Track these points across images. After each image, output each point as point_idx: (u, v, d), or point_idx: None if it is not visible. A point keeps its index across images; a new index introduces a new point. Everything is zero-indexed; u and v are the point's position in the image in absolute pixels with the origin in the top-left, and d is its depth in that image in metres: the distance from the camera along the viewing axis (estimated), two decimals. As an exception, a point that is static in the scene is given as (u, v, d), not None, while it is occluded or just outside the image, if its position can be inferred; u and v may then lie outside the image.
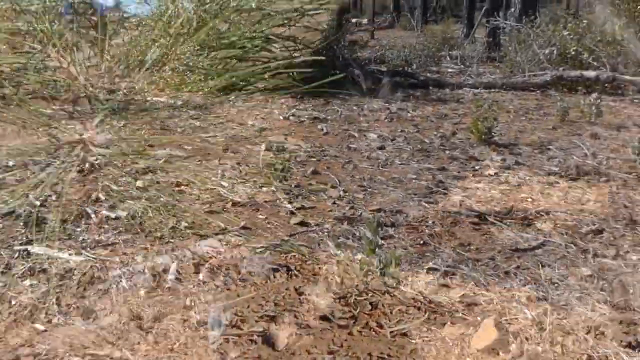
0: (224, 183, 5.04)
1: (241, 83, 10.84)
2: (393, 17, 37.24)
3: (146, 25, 12.24)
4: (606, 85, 10.18)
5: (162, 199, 4.59)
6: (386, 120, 8.19)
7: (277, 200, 4.57)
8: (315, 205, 4.48)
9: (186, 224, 4.03)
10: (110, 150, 6.44)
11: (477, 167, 5.51)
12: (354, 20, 29.28)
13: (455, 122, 7.85)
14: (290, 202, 4.49)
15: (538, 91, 10.56)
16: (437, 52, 16.30)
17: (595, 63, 10.54)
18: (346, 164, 5.76)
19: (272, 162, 4.88)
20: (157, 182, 5.08)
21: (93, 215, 4.14)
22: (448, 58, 14.83)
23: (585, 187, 4.88)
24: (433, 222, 4.00)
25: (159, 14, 11.66)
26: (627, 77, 9.95)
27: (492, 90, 10.85)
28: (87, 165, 5.49)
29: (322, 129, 7.50)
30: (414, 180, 5.11)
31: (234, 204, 4.49)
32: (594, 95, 7.80)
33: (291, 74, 11.27)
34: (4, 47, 9.36)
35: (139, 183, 4.93)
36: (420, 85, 11.59)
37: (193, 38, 10.88)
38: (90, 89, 12.33)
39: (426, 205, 4.38)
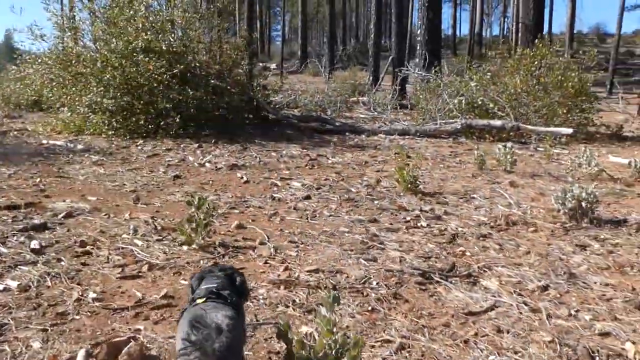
0: (137, 241, 4.43)
1: (150, 127, 10.18)
2: (301, 62, 37.95)
3: (42, 63, 11.29)
4: (511, 133, 10.65)
5: (63, 263, 3.92)
6: (307, 167, 7.92)
7: (201, 261, 4.05)
8: (244, 265, 4.01)
9: (95, 295, 3.40)
10: (-3, 203, 5.59)
11: (408, 218, 5.32)
12: (261, 64, 29.41)
13: (377, 170, 7.74)
14: (215, 264, 3.99)
15: (450, 138, 10.86)
16: (349, 97, 16.56)
17: (500, 112, 11.05)
18: (273, 216, 5.36)
19: (191, 215, 4.37)
20: (57, 242, 4.37)
21: (-26, 289, 3.39)
22: (361, 104, 15.02)
23: (517, 238, 4.83)
24: (377, 284, 3.68)
25: (58, 52, 10.76)
26: (530, 127, 10.49)
27: (407, 137, 11.00)
28: (-32, 222, 4.66)
29: (242, 177, 7.05)
30: (347, 234, 4.80)
31: (151, 266, 3.91)
32: (509, 144, 8.04)
33: (204, 117, 10.85)
34: None
35: (33, 243, 4.21)
36: (337, 131, 11.54)
37: (97, 78, 10.12)
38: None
39: (366, 263, 4.06)
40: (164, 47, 10.31)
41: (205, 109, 10.82)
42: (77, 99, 10.52)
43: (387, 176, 7.27)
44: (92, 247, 4.28)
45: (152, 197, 6.02)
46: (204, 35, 12.02)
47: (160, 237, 4.57)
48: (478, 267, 4.03)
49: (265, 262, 4.07)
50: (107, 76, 10.04)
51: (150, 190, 6.34)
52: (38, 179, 6.66)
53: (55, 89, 11.17)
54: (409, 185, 6.28)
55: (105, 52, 10.22)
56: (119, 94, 10.13)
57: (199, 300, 2.24)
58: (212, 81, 11.12)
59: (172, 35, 10.83)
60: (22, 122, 12.90)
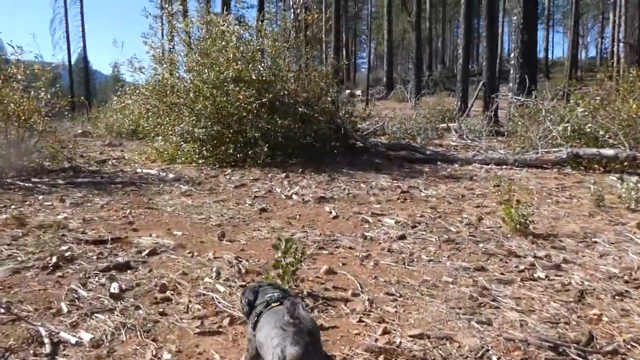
0: (220, 287, 4.00)
1: (238, 155, 9.99)
2: (387, 89, 37.48)
3: (140, 94, 11.52)
4: (625, 163, 9.40)
5: (141, 312, 3.54)
6: (399, 200, 7.27)
7: (287, 315, 3.52)
8: (336, 323, 3.44)
9: (169, 355, 2.96)
10: (88, 235, 5.43)
11: (521, 267, 4.53)
12: (347, 91, 29.23)
13: (477, 205, 6.95)
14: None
15: (553, 169, 9.78)
16: (438, 124, 15.75)
17: (611, 140, 9.83)
18: (365, 259, 4.77)
19: (278, 260, 3.88)
20: (138, 284, 4.03)
21: (47, 341, 3.06)
22: (453, 132, 14.15)
23: (662, 298, 3.91)
24: (498, 359, 2.97)
25: (154, 83, 10.91)
26: (649, 156, 9.19)
27: (504, 166, 10.06)
28: (54, 259, 4.46)
29: (331, 212, 6.53)
30: (451, 286, 4.10)
31: (233, 320, 3.44)
32: (624, 176, 6.96)
33: (291, 146, 10.54)
34: None
35: (113, 287, 3.88)
36: (427, 160, 10.82)
37: (189, 108, 10.12)
38: (80, 158, 11.43)
39: (479, 327, 3.36)
40: (253, 77, 10.15)
41: (292, 137, 10.52)
42: (170, 128, 10.59)
43: (489, 213, 6.47)
44: (172, 292, 3.90)
45: (238, 232, 5.64)
46: (292, 64, 11.82)
47: (244, 283, 4.11)
48: (624, 340, 3.19)
49: (360, 320, 3.47)
50: (199, 106, 10.02)
51: (236, 224, 5.97)
52: (128, 210, 6.52)
53: (150, 118, 11.34)
54: (517, 225, 5.46)
55: (198, 83, 10.22)
56: (209, 123, 10.06)
57: (274, 304, 2.55)
58: (300, 109, 10.83)
59: (262, 64, 10.67)
60: (121, 151, 13.29)
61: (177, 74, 11.00)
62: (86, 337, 3.13)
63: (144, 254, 4.78)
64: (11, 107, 8.97)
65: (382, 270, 4.50)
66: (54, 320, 3.38)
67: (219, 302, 3.72)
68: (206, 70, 10.19)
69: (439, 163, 10.59)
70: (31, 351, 2.99)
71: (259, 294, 2.72)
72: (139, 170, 9.74)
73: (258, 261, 4.67)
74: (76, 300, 3.68)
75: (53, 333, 3.16)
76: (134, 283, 4.04)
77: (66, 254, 4.62)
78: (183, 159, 10.43)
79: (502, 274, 4.40)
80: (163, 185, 8.24)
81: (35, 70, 9.45)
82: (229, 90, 9.88)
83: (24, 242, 5.04)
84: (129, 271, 4.32)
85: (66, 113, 11.20)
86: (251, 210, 6.67)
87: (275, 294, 2.66)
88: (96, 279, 4.11)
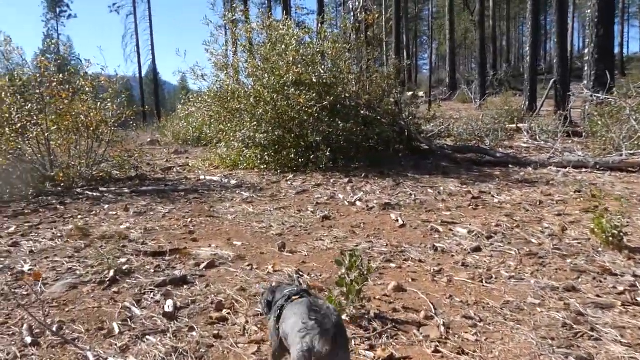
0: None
1: (300, 160, 9.69)
2: (449, 90, 36.32)
3: (202, 101, 11.48)
4: None
5: (194, 334, 3.23)
6: (470, 207, 6.69)
7: (352, 341, 3.11)
8: (408, 352, 2.99)
9: (222, 388, 2.63)
10: (148, 246, 5.25)
11: (620, 288, 3.89)
12: (410, 93, 28.43)
13: (558, 213, 6.25)
14: (371, 347, 3.03)
15: (640, 172, 8.82)
16: (507, 125, 14.84)
17: None
18: (437, 275, 4.28)
19: (342, 277, 3.47)
20: (194, 302, 3.75)
21: (93, 368, 2.80)
22: (524, 133, 13.24)
23: None
24: (610, 408, 2.43)
25: (216, 89, 10.81)
26: None
27: (583, 170, 9.17)
28: (111, 273, 4.26)
29: (397, 219, 6.06)
30: (539, 309, 3.55)
31: (293, 346, 3.06)
32: None
33: (354, 149, 10.13)
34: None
35: (168, 304, 3.61)
36: (498, 162, 10.09)
37: (250, 114, 9.94)
38: (147, 166, 11.53)
39: (580, 363, 2.82)
40: (314, 79, 9.84)
41: (354, 140, 10.11)
42: (232, 134, 10.45)
43: (572, 222, 5.78)
44: (229, 310, 3.58)
45: (299, 242, 5.28)
46: (353, 66, 11.40)
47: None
48: None
49: (436, 350, 3.00)
50: (260, 111, 9.81)
51: (298, 234, 5.62)
52: (189, 219, 6.33)
53: (212, 125, 11.27)
54: (610, 238, 4.78)
55: (258, 87, 10.02)
56: (270, 128, 9.83)
57: (294, 297, 2.52)
58: (362, 112, 10.41)
59: (322, 67, 10.33)
60: (186, 158, 13.35)
61: (238, 80, 10.85)
62: (134, 364, 2.85)
63: (202, 266, 4.51)
64: (80, 118, 9.09)
65: (457, 288, 3.99)
66: (104, 343, 3.13)
67: (277, 324, 3.36)
68: (266, 75, 9.97)
69: (510, 166, 9.83)
70: (77, 379, 2.73)
71: (276, 292, 2.71)
72: (202, 177, 9.64)
73: (320, 275, 4.29)
74: (129, 320, 3.42)
75: (101, 358, 2.90)
76: (190, 300, 3.75)
77: (124, 267, 4.43)
78: (245, 164, 10.26)
79: (597, 295, 3.79)
80: (225, 192, 8.05)
81: (102, 82, 9.54)
82: (290, 94, 9.61)
83: (85, 254, 4.90)
84: (185, 286, 4.05)
85: (131, 123, 11.20)
86: (313, 218, 6.31)
87: (295, 289, 2.67)
88: (151, 295, 3.86)
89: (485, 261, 4.60)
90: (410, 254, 4.84)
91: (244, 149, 10.37)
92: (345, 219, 6.28)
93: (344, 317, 3.39)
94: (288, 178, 9.03)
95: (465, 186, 8.08)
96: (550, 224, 5.73)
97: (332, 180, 8.68)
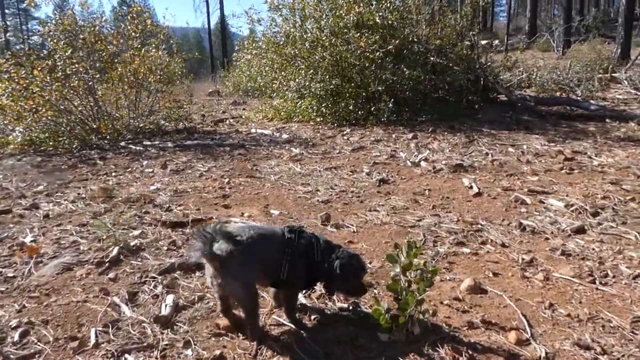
0: (307, 304, 2.64)
1: (360, 113, 8.51)
2: (529, 37, 33.10)
3: (257, 47, 10.42)
4: None
5: (189, 353, 2.30)
6: (564, 171, 5.33)
7: (409, 380, 2.07)
8: (493, 409, 1.91)
9: None
10: (172, 214, 4.39)
11: None
12: (484, 41, 25.89)
13: (683, 180, 4.80)
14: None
15: None
16: (601, 74, 12.77)
17: None
18: (528, 268, 3.11)
19: (395, 279, 2.39)
20: (201, 298, 2.82)
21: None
22: (625, 82, 11.23)
23: None
24: None
25: (271, 34, 9.68)
26: None
27: (702, 124, 7.41)
28: (114, 251, 3.42)
29: (471, 186, 4.85)
30: (689, 333, 2.35)
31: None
32: None
33: (420, 101, 8.81)
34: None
35: (166, 304, 2.70)
36: (592, 116, 8.43)
37: (306, 60, 8.78)
38: (201, 117, 10.74)
39: None
40: (377, 20, 8.48)
41: (422, 90, 8.78)
42: (285, 83, 9.37)
43: None
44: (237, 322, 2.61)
45: (348, 213, 4.23)
46: (423, 6, 9.85)
47: (346, 304, 2.70)
48: None
49: (538, 408, 1.90)
50: (317, 57, 8.63)
51: (347, 202, 4.56)
52: (227, 179, 5.43)
53: (267, 74, 10.23)
54: None
55: (315, 30, 8.79)
56: (327, 76, 8.66)
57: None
58: (432, 58, 8.98)
59: (388, 6, 8.88)
60: (242, 109, 12.45)
61: (294, 23, 9.61)
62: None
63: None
64: (129, 67, 8.32)
65: (559, 291, 2.82)
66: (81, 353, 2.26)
67: (304, 341, 2.36)
68: (324, 15, 8.70)
69: (608, 121, 8.17)
70: None
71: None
72: (253, 130, 8.71)
73: (370, 263, 3.22)
74: (112, 326, 2.54)
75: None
76: (197, 296, 2.82)
77: (133, 243, 3.57)
78: (300, 117, 9.20)
79: None
80: (273, 147, 7.07)
81: (148, 27, 8.66)
82: (350, 37, 8.34)
83: (98, 222, 4.09)
84: (197, 273, 3.13)
85: (183, 72, 10.32)
86: (368, 181, 5.21)
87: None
88: (152, 285, 2.97)
89: (593, 249, 3.36)
90: (489, 235, 3.67)
91: (298, 99, 9.28)
92: (407, 183, 5.14)
93: (393, 337, 2.35)
94: (345, 132, 7.90)
95: (554, 144, 6.64)
96: (676, 197, 4.32)
97: (394, 136, 7.47)
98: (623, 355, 2.22)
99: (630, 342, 2.31)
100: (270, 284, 2.50)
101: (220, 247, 2.25)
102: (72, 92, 7.97)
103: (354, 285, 2.46)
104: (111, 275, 3.12)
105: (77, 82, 7.82)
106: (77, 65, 7.82)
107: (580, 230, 3.67)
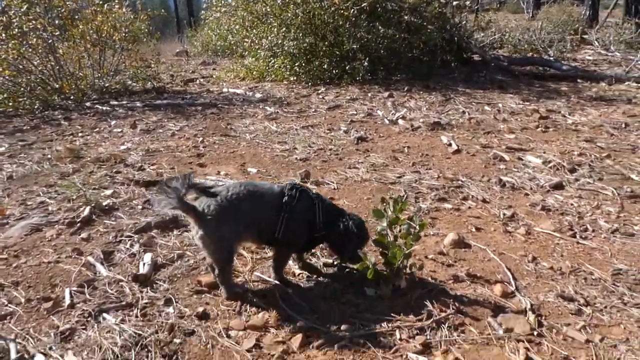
0: (293, 265, 2.58)
1: (334, 72, 8.35)
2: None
3: (227, 4, 10.03)
4: None
5: (170, 311, 2.22)
6: (539, 129, 5.35)
7: (398, 333, 2.04)
8: (482, 356, 1.90)
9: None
10: (144, 173, 4.23)
11: None
12: (455, 2, 25.59)
13: (654, 138, 4.88)
14: (425, 348, 1.96)
15: None
16: (570, 35, 12.84)
17: None
18: (510, 223, 3.11)
19: (382, 234, 2.35)
20: (181, 256, 2.72)
21: None
22: (595, 43, 11.30)
23: None
24: None
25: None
26: None
27: (670, 84, 7.54)
28: (86, 211, 3.27)
29: (450, 143, 4.82)
30: (670, 283, 2.39)
31: (307, 336, 2.02)
32: None
33: (395, 60, 8.69)
34: None
35: (144, 262, 2.60)
36: (563, 76, 8.48)
37: (278, 18, 8.50)
38: (170, 77, 10.38)
39: None
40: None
41: (396, 49, 8.62)
42: (257, 41, 9.08)
43: (678, 150, 4.42)
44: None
45: (327, 170, 4.16)
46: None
47: (331, 259, 2.65)
48: None
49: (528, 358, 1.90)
50: (289, 14, 8.36)
51: (326, 159, 4.48)
52: (200, 139, 5.26)
53: (238, 32, 9.89)
54: None
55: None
56: (301, 34, 8.41)
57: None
58: (406, 16, 8.79)
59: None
60: (212, 69, 12.07)
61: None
62: (71, 365, 1.86)
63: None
64: (91, 25, 7.89)
65: (541, 245, 2.83)
66: (43, 324, 2.16)
67: (289, 297, 2.31)
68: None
69: (579, 81, 8.23)
70: (-20, 391, 1.78)
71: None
72: (225, 90, 8.45)
73: (352, 220, 3.16)
74: (87, 286, 2.43)
75: (26, 356, 1.93)
76: (176, 254, 2.73)
77: (105, 203, 3.42)
78: (273, 76, 8.97)
79: None
80: (247, 107, 6.88)
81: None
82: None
83: (67, 182, 3.91)
84: (175, 231, 3.03)
85: (149, 30, 9.84)
86: (346, 139, 5.13)
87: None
88: (128, 244, 2.85)
89: (572, 204, 3.38)
90: (469, 191, 3.66)
91: (271, 58, 9.03)
92: (385, 141, 5.08)
93: (380, 292, 2.32)
94: (320, 91, 7.75)
95: (528, 103, 6.65)
96: (649, 154, 4.39)
97: (369, 95, 7.37)
98: (605, 307, 2.24)
99: (612, 294, 2.34)
100: (265, 242, 2.42)
101: (201, 201, 2.16)
102: (30, 50, 7.53)
103: (361, 247, 2.43)
104: (84, 235, 2.99)
105: (35, 40, 7.38)
106: (34, 22, 7.36)
107: (559, 186, 3.69)
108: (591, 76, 8.29)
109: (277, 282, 2.42)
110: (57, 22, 7.90)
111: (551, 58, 9.64)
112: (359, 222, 2.40)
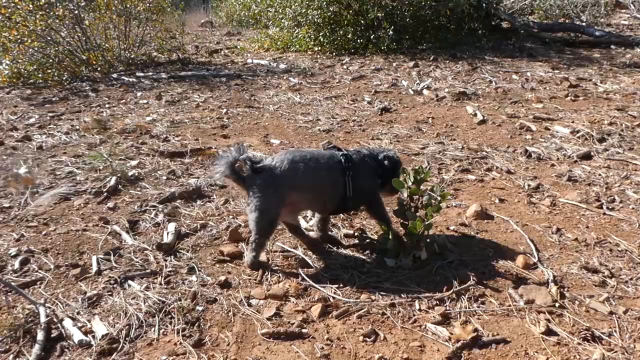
0: (313, 235, 2.59)
1: (359, 41, 8.20)
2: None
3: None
4: None
5: (193, 279, 2.26)
6: (568, 98, 5.18)
7: (417, 303, 2.04)
8: (504, 331, 1.89)
9: None
10: (169, 144, 4.27)
11: None
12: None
13: (690, 106, 4.68)
14: (445, 318, 1.95)
15: None
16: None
17: None
18: (534, 194, 3.05)
19: (403, 205, 2.33)
20: (204, 226, 2.75)
21: (40, 337, 1.90)
22: (632, 7, 10.80)
23: None
24: None
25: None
26: None
27: None
28: (112, 181, 3.32)
29: (475, 113, 4.72)
30: (700, 256, 2.32)
31: (326, 307, 2.04)
32: None
33: (421, 28, 8.48)
34: None
35: (168, 231, 2.64)
36: (596, 43, 8.16)
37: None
38: (195, 49, 10.37)
39: None
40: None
41: (423, 17, 8.40)
42: (281, 11, 8.96)
43: None
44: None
45: (350, 142, 4.13)
46: None
47: (352, 230, 2.65)
48: None
49: (548, 331, 1.87)
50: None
51: (349, 130, 4.44)
52: (224, 110, 5.26)
53: (261, 2, 9.76)
54: None
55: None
56: (325, 3, 8.24)
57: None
58: (433, -18, 8.52)
59: None
60: (238, 39, 12.00)
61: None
62: (100, 331, 1.92)
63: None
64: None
65: (566, 217, 2.77)
66: (72, 289, 2.23)
67: (309, 268, 2.32)
68: None
69: (613, 47, 7.91)
70: (13, 351, 1.85)
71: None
72: (249, 61, 8.40)
73: (374, 191, 3.14)
74: (113, 254, 2.49)
75: (55, 320, 1.99)
76: (199, 224, 2.76)
77: (131, 173, 3.47)
78: (297, 46, 8.87)
79: None
80: (271, 78, 6.83)
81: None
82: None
83: (94, 153, 3.97)
84: (198, 201, 3.06)
85: (170, 1, 9.79)
86: (370, 110, 5.07)
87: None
88: (152, 214, 2.90)
89: (600, 175, 3.29)
90: (494, 162, 3.59)
91: (295, 28, 8.91)
92: (409, 111, 5.00)
93: (400, 263, 2.31)
94: (344, 61, 7.63)
95: (558, 71, 6.43)
96: (684, 122, 4.22)
97: (394, 64, 7.23)
98: (631, 278, 2.19)
99: (639, 266, 2.28)
100: (331, 209, 2.42)
101: (248, 172, 2.25)
102: (57, 21, 7.59)
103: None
104: (110, 204, 3.05)
105: (61, 10, 7.43)
106: (62, -9, 7.41)
107: (587, 157, 3.59)
108: (625, 42, 7.95)
109: (297, 253, 2.43)
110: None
111: (584, 23, 9.26)
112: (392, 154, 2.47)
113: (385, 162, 2.40)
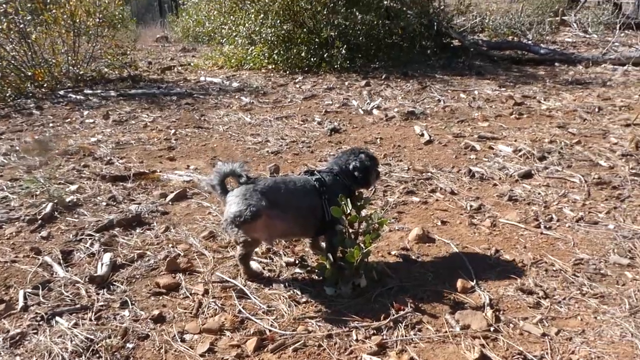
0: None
1: (312, 59, 8.24)
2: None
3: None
4: None
5: (125, 314, 2.17)
6: (513, 116, 5.34)
7: (355, 333, 2.02)
8: (438, 358, 1.88)
9: None
10: (112, 167, 4.14)
11: None
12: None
13: (625, 123, 4.88)
14: (380, 348, 1.94)
15: None
16: (551, 17, 12.80)
17: None
18: (476, 215, 3.10)
19: (340, 232, 2.32)
20: (141, 256, 2.67)
21: None
22: (574, 25, 11.28)
23: None
24: None
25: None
26: None
27: (646, 68, 7.56)
28: (48, 208, 3.19)
29: (422, 133, 4.79)
30: (629, 275, 2.38)
31: (261, 340, 2.00)
32: None
33: (374, 47, 8.61)
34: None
35: (103, 262, 2.54)
36: (541, 60, 8.47)
37: (255, 3, 8.35)
38: (148, 65, 10.18)
39: None
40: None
41: (375, 36, 8.54)
42: (235, 28, 8.93)
43: (647, 136, 4.43)
44: (185, 272, 2.50)
45: (298, 164, 4.11)
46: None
47: (293, 258, 2.62)
48: None
49: (481, 357, 1.89)
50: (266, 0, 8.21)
51: (298, 152, 4.43)
52: (173, 131, 5.17)
53: (215, 18, 9.70)
54: None
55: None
56: (278, 21, 8.27)
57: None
58: (385, 2, 8.67)
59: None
60: (192, 56, 11.88)
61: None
62: None
63: (168, 198, 3.41)
64: (65, 9, 7.68)
65: (505, 237, 2.82)
66: (-7, 328, 2.10)
67: (247, 299, 2.27)
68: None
69: (557, 64, 8.23)
70: None
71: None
72: (202, 78, 8.31)
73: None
74: (42, 288, 2.37)
75: (-30, 363, 1.88)
76: (136, 253, 2.68)
77: (68, 199, 3.35)
78: (251, 64, 8.84)
79: None
80: (222, 97, 6.77)
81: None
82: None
83: (31, 177, 3.81)
84: (137, 230, 2.97)
85: (124, 16, 9.66)
86: (319, 130, 5.08)
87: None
88: (88, 243, 2.79)
89: (539, 193, 3.38)
90: (438, 182, 3.64)
91: (249, 46, 8.89)
92: (359, 132, 5.03)
93: (339, 291, 2.29)
94: (297, 80, 7.66)
95: (504, 89, 6.63)
96: (618, 138, 4.40)
97: (347, 83, 7.29)
98: (564, 298, 2.24)
99: (572, 285, 2.34)
100: (311, 233, 2.49)
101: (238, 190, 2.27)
102: (2, 35, 7.33)
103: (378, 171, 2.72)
104: (44, 233, 2.92)
105: (6, 24, 7.18)
106: (4, 6, 7.15)
107: (528, 175, 3.69)
108: (568, 59, 8.28)
109: (235, 282, 2.38)
110: (28, 5, 7.70)
111: (530, 41, 9.60)
112: (367, 155, 2.56)
113: (355, 173, 2.48)
